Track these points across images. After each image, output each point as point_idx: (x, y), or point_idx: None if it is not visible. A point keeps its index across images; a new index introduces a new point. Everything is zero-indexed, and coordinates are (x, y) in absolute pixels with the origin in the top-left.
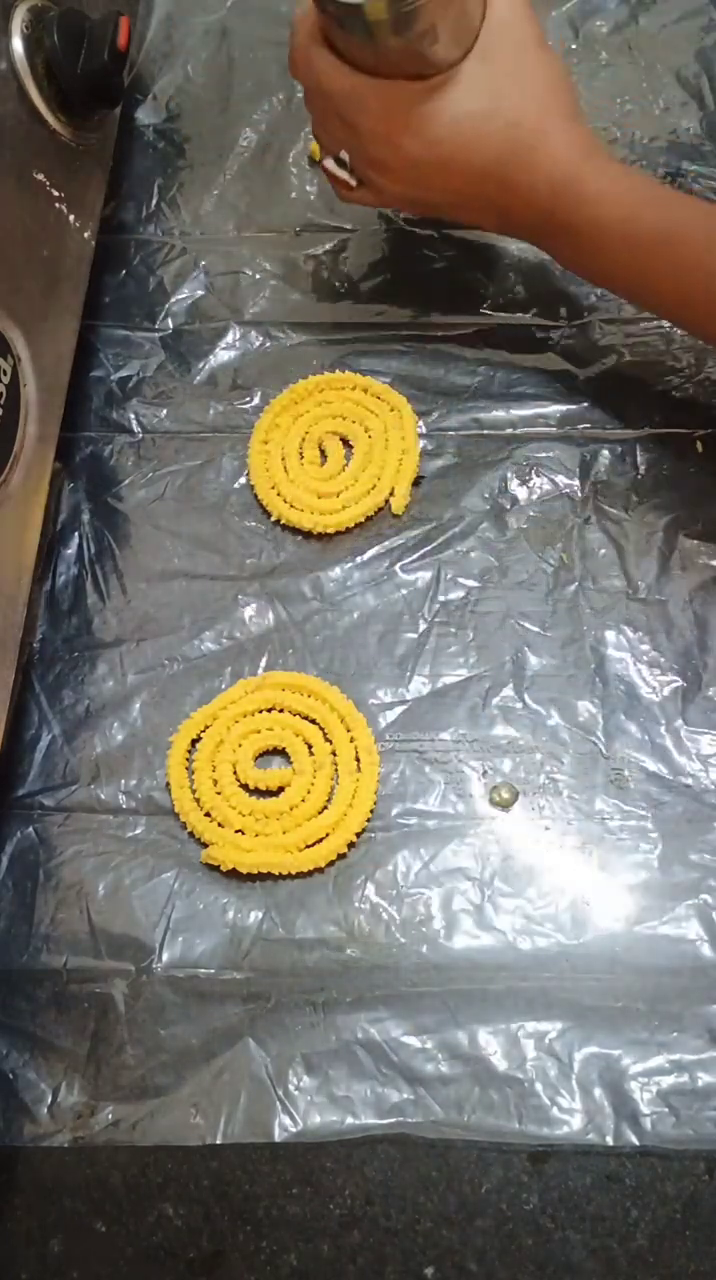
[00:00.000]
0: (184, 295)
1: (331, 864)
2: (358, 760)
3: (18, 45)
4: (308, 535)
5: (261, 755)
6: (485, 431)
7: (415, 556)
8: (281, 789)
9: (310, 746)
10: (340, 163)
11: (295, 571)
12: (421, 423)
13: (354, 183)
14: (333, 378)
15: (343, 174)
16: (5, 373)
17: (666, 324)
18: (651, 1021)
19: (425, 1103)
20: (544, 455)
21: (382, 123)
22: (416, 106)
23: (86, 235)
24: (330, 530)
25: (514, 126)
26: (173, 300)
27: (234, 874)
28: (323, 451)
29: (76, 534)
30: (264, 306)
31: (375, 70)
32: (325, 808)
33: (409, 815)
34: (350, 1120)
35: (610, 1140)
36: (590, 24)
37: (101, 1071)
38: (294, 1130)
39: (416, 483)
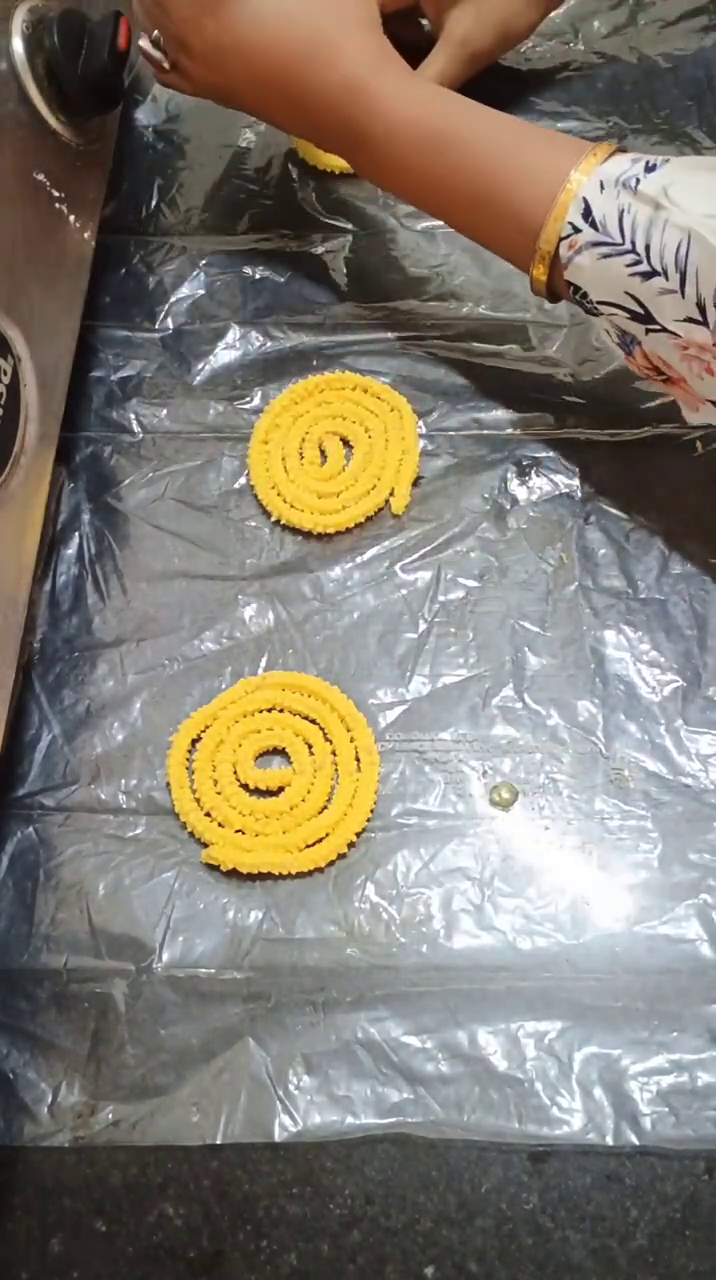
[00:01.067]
0: (184, 295)
1: (331, 864)
2: (357, 760)
3: (18, 45)
4: (308, 535)
5: (261, 755)
6: (485, 431)
7: (415, 556)
8: (281, 789)
9: (310, 746)
10: (155, 43)
11: (295, 571)
12: (421, 423)
13: (167, 65)
14: (333, 378)
15: (156, 54)
16: (5, 373)
17: None
18: (651, 1021)
19: (425, 1102)
20: (544, 455)
21: (190, 6)
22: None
23: (86, 235)
24: (330, 530)
25: (314, 27)
26: (173, 300)
27: (234, 874)
28: (323, 452)
29: (76, 534)
30: (264, 306)
31: None
32: (325, 808)
33: (409, 815)
34: (350, 1120)
35: (610, 1140)
36: (591, 24)
37: (101, 1071)
38: (294, 1130)
39: (416, 483)
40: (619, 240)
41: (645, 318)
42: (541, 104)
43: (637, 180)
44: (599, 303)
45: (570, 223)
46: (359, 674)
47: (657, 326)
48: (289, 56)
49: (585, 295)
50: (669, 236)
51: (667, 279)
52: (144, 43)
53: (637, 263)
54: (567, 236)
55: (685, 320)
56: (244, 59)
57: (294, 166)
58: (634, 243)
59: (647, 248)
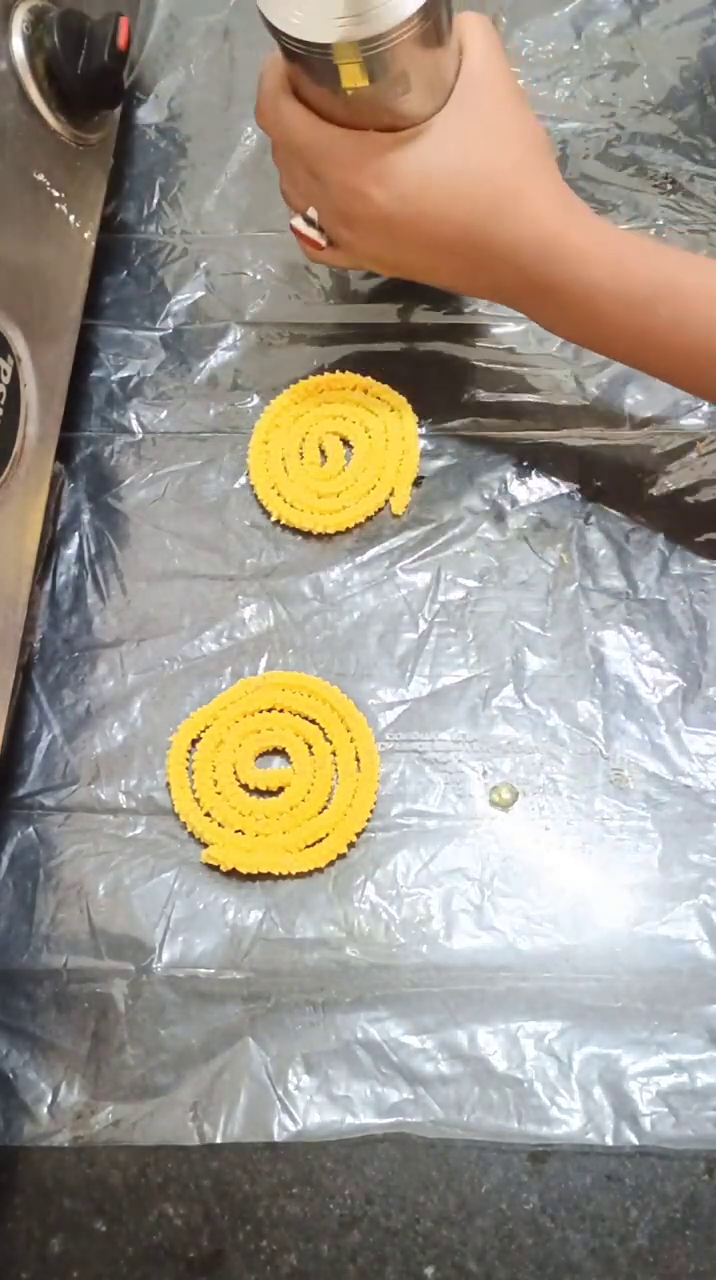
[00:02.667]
0: (185, 295)
1: (331, 864)
2: (357, 760)
3: (18, 45)
4: (308, 535)
5: (261, 755)
6: (485, 432)
7: (415, 557)
8: (281, 789)
9: (310, 746)
10: (308, 221)
11: (295, 571)
12: (421, 423)
13: (323, 242)
14: (333, 378)
15: (311, 233)
16: (5, 373)
17: None
18: (651, 1021)
19: (425, 1102)
20: (544, 455)
21: (352, 174)
22: (386, 157)
23: (87, 235)
24: (330, 530)
25: (489, 181)
26: (173, 300)
27: (234, 874)
28: (323, 451)
29: (76, 534)
30: (265, 307)
31: (344, 121)
32: (325, 808)
33: (409, 815)
34: (350, 1120)
35: (610, 1140)
36: (592, 25)
37: (101, 1071)
38: (294, 1130)
39: (416, 483)
40: None
41: None
42: (544, 105)
43: None
44: None
45: None
46: (359, 674)
47: None
48: (466, 219)
49: None
50: None
51: None
52: (297, 222)
53: None
54: None
55: None
56: (415, 226)
57: None
58: None
59: None
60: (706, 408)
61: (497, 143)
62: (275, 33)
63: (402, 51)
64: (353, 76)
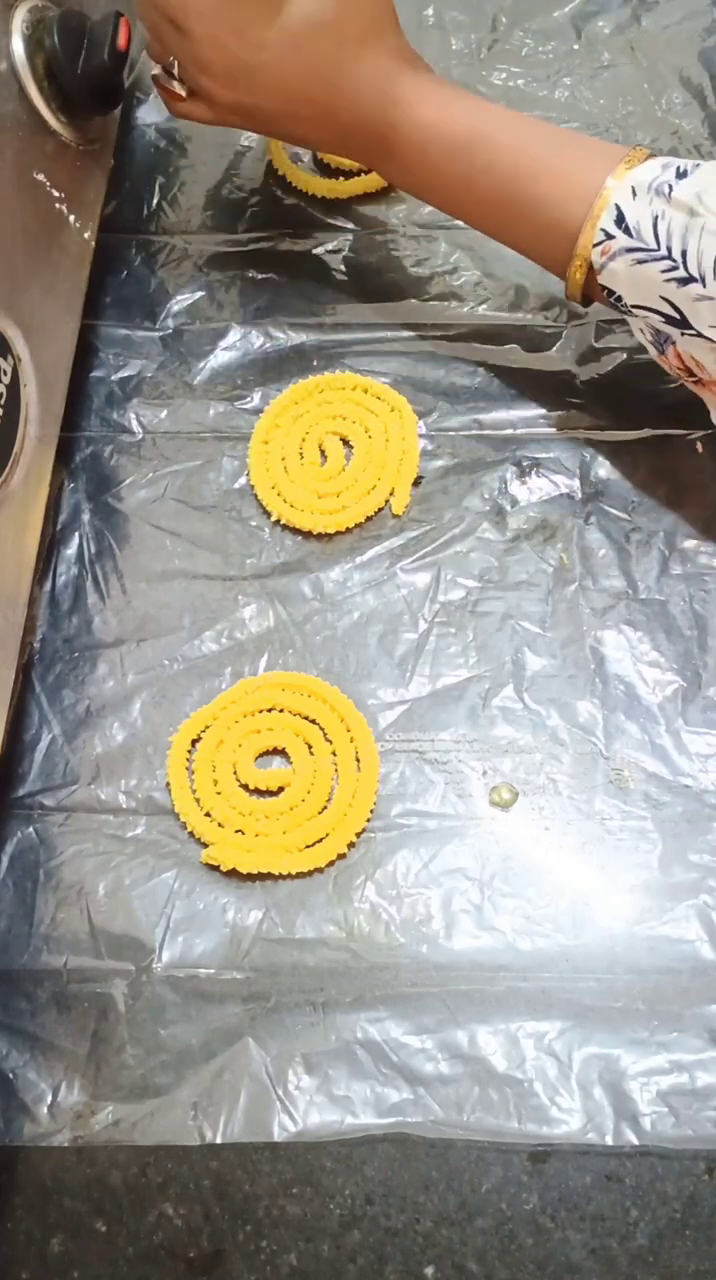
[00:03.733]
0: (184, 295)
1: (331, 864)
2: (358, 760)
3: (18, 45)
4: (308, 535)
5: (261, 755)
6: (485, 432)
7: (415, 557)
8: (281, 789)
9: (310, 746)
10: (168, 72)
11: (295, 571)
12: (421, 423)
13: (184, 93)
14: (332, 378)
15: (173, 84)
16: (5, 373)
17: None
18: (651, 1021)
19: (425, 1102)
20: (544, 455)
21: (211, 24)
22: (245, 9)
23: (87, 235)
24: (330, 530)
25: (338, 32)
26: (173, 300)
27: (234, 874)
28: (323, 452)
29: (76, 534)
30: (264, 307)
31: None
32: (325, 808)
33: (409, 815)
34: (350, 1120)
35: (610, 1140)
36: (592, 25)
37: (101, 1071)
38: (294, 1130)
39: (416, 483)
40: (654, 246)
41: (680, 322)
42: (544, 105)
43: (670, 187)
44: (633, 306)
45: (602, 229)
46: (359, 674)
47: (693, 331)
48: (316, 65)
49: (619, 299)
50: (705, 243)
51: (705, 285)
52: (158, 72)
53: (673, 268)
54: (601, 243)
55: None
56: (271, 73)
57: (295, 166)
58: (669, 249)
59: (684, 253)
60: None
61: (348, 2)
62: None
63: None
64: None
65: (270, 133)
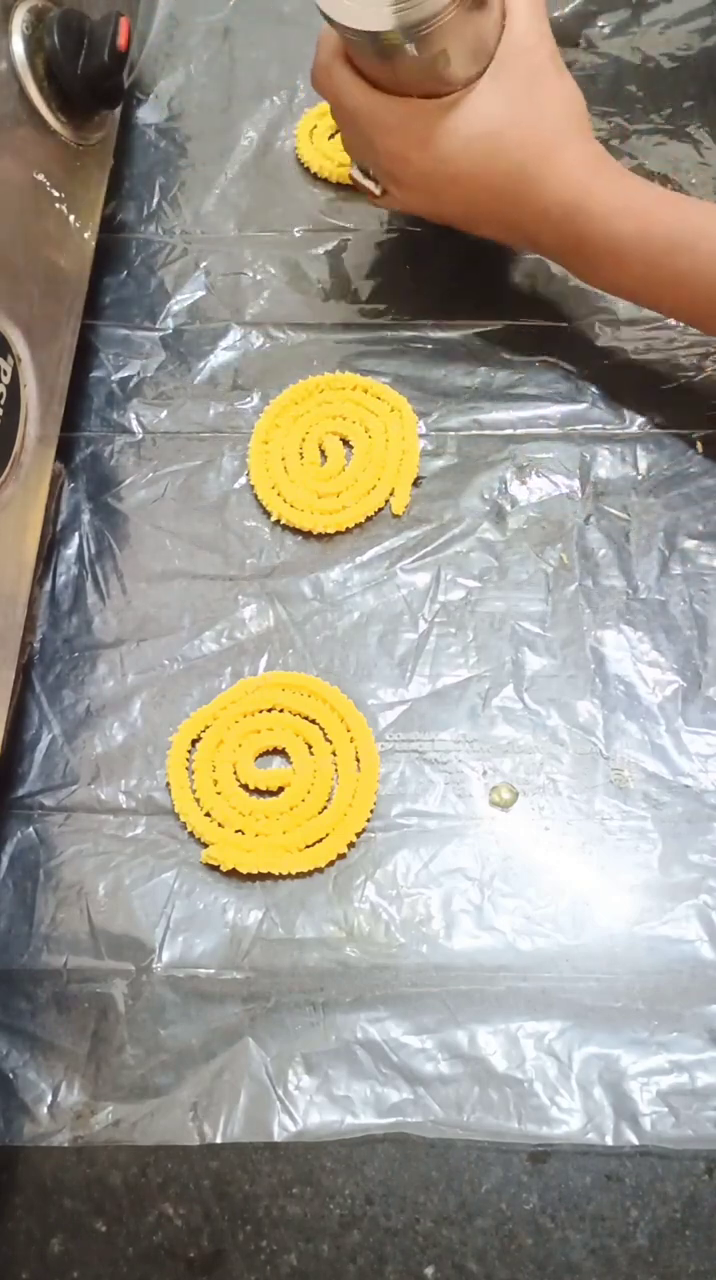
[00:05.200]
0: (185, 295)
1: (331, 864)
2: (358, 760)
3: (18, 45)
4: (308, 535)
5: (261, 755)
6: (485, 432)
7: (415, 557)
8: (281, 789)
9: (310, 746)
10: (364, 172)
11: (295, 571)
12: (421, 423)
13: (378, 191)
14: (333, 378)
15: (367, 183)
16: (5, 373)
17: (671, 323)
18: (651, 1021)
19: (425, 1102)
20: (544, 455)
21: (397, 140)
22: (429, 124)
23: (87, 235)
24: (330, 530)
25: (524, 146)
26: (173, 300)
27: (234, 874)
28: (323, 452)
29: (76, 534)
30: (264, 307)
31: (392, 88)
32: (325, 808)
33: (409, 815)
34: (350, 1120)
35: (610, 1140)
36: (592, 25)
37: (101, 1071)
38: (294, 1130)
39: (416, 483)
40: None
41: None
42: None
43: None
44: None
45: None
46: (359, 674)
47: None
48: (500, 182)
49: None
50: None
51: None
52: (355, 172)
53: None
54: None
55: None
56: (453, 187)
57: (295, 166)
58: None
59: None
60: (706, 408)
61: (534, 108)
62: (329, 20)
63: (448, 28)
64: (399, 53)
65: (464, 230)
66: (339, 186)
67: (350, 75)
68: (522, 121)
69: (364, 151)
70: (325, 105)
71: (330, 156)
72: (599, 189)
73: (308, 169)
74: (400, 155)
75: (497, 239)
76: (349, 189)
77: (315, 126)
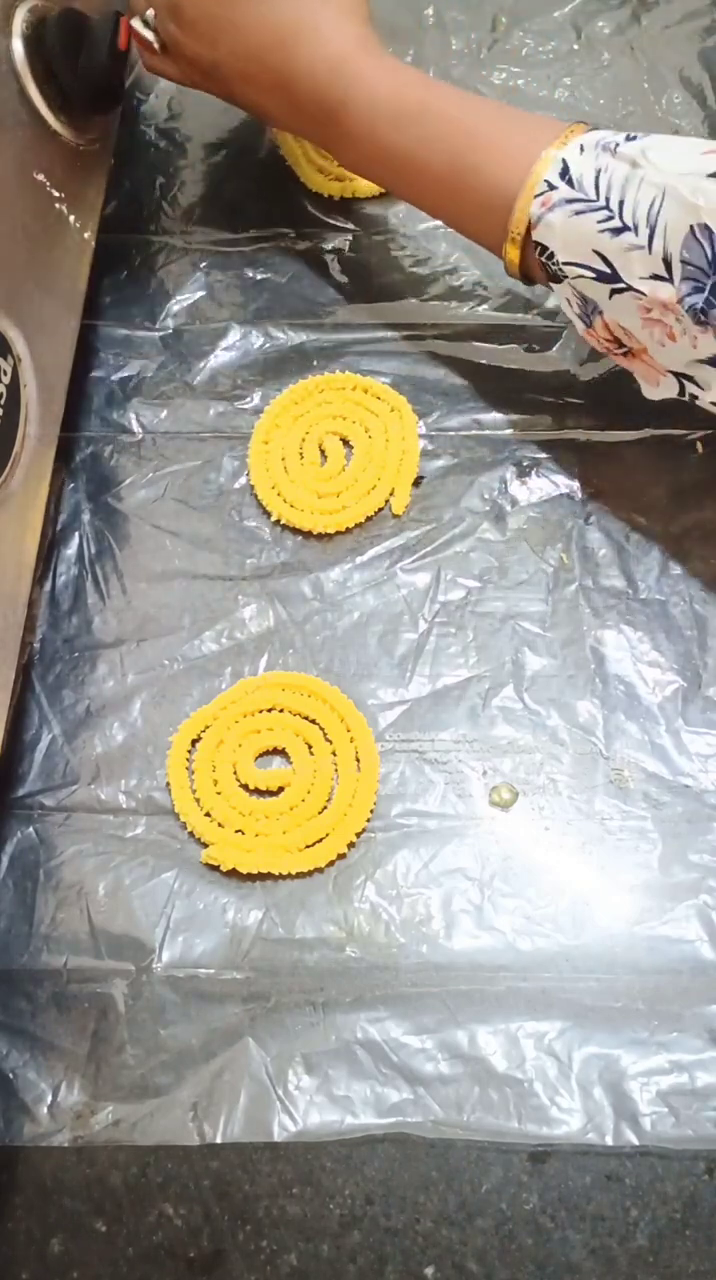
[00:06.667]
0: (184, 295)
1: (331, 864)
2: (358, 760)
3: (18, 45)
4: (308, 535)
5: (261, 755)
6: (485, 432)
7: (415, 557)
8: (281, 789)
9: (310, 746)
10: (146, 22)
11: (295, 571)
12: (421, 423)
13: (157, 45)
14: (332, 378)
15: (147, 34)
16: (5, 373)
17: None
18: (651, 1021)
19: (425, 1102)
20: (544, 455)
21: None
22: None
23: (87, 235)
24: (330, 530)
25: (306, 6)
26: (173, 300)
27: (234, 874)
28: (323, 452)
29: (76, 534)
30: (264, 307)
31: None
32: (325, 808)
33: (409, 815)
34: (350, 1120)
35: (610, 1140)
36: (592, 25)
37: (101, 1071)
38: (294, 1130)
39: (416, 483)
40: (593, 197)
41: (611, 276)
42: (544, 105)
43: (617, 144)
44: (565, 263)
45: (546, 180)
46: (359, 674)
47: (622, 285)
48: (277, 29)
49: (552, 257)
50: (643, 193)
51: (637, 234)
52: (135, 22)
53: (609, 219)
54: (542, 194)
55: (650, 277)
56: (234, 30)
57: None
58: (607, 199)
59: (621, 203)
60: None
61: None
62: None
63: None
64: None
65: (231, 97)
66: (337, 185)
67: None
68: None
69: None
70: None
71: (310, 159)
72: (366, 54)
73: (287, 176)
74: None
75: (264, 109)
76: (348, 191)
77: None
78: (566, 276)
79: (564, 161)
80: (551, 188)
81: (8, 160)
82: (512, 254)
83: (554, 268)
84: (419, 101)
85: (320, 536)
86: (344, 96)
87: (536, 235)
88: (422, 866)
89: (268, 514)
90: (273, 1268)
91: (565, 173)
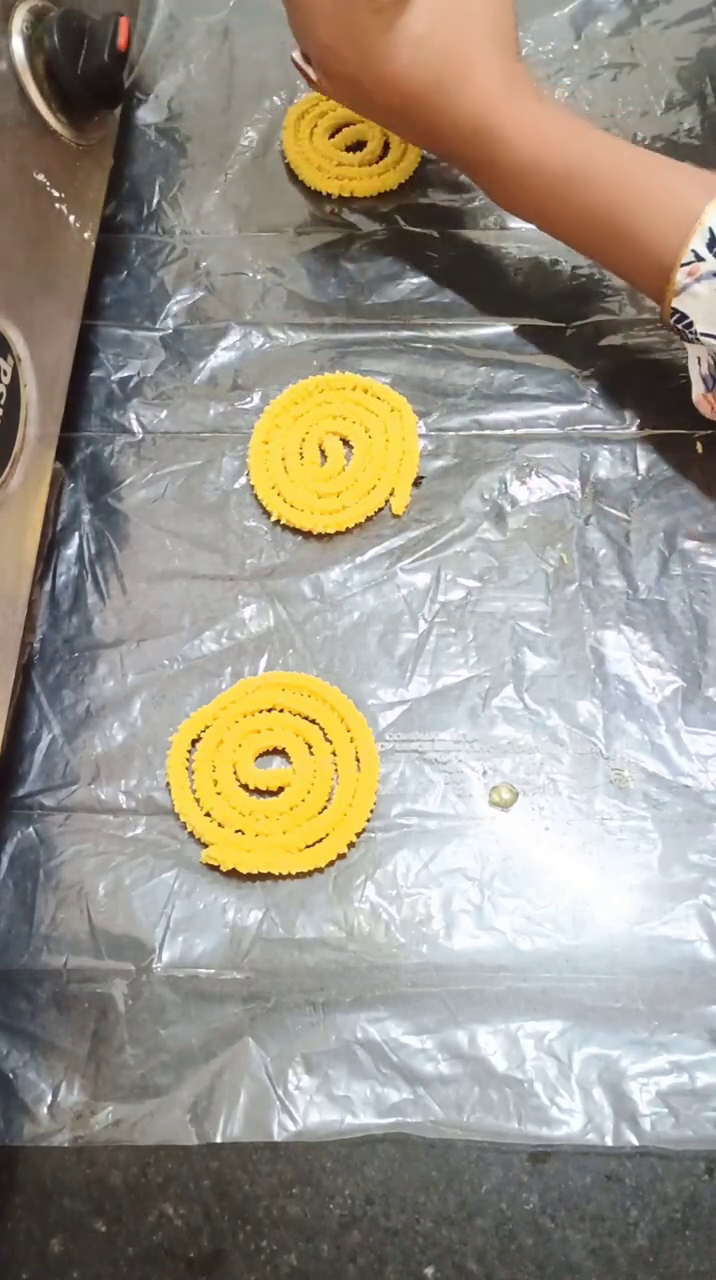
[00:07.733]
0: (184, 295)
1: (331, 864)
2: (358, 760)
3: (18, 45)
4: (308, 535)
5: (261, 755)
6: (485, 432)
7: (415, 557)
8: (281, 789)
9: (310, 746)
10: (305, 58)
11: (295, 571)
12: (421, 423)
13: (314, 77)
14: (333, 378)
15: (306, 68)
16: (5, 373)
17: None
18: (651, 1021)
19: (425, 1103)
20: (544, 455)
21: (331, 36)
22: (362, 25)
23: (87, 235)
24: (330, 530)
25: (445, 57)
26: (173, 300)
27: (234, 874)
28: (323, 452)
29: (76, 534)
30: (264, 307)
31: None
32: (325, 808)
33: (409, 815)
34: (350, 1120)
35: (610, 1140)
36: (592, 25)
37: (101, 1071)
38: (294, 1130)
39: (416, 483)
40: None
41: None
42: None
43: None
44: (702, 334)
45: (693, 250)
46: (359, 674)
47: None
48: (419, 90)
49: (690, 325)
50: None
51: None
52: (296, 55)
53: None
54: (689, 264)
55: None
56: (377, 88)
57: (295, 165)
58: None
59: None
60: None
61: (458, 20)
62: None
63: None
64: None
65: (388, 129)
66: (337, 185)
67: None
68: (447, 33)
69: (305, 36)
70: (306, 100)
71: (309, 158)
72: (509, 110)
73: (287, 175)
74: (333, 49)
75: (419, 146)
76: (347, 190)
77: (303, 113)
78: (700, 344)
79: (711, 232)
80: (699, 258)
81: (8, 160)
82: (666, 313)
83: (690, 335)
84: (564, 165)
85: (320, 536)
86: (490, 158)
87: (676, 302)
88: (422, 866)
89: (268, 514)
90: (273, 1268)
91: (713, 243)
